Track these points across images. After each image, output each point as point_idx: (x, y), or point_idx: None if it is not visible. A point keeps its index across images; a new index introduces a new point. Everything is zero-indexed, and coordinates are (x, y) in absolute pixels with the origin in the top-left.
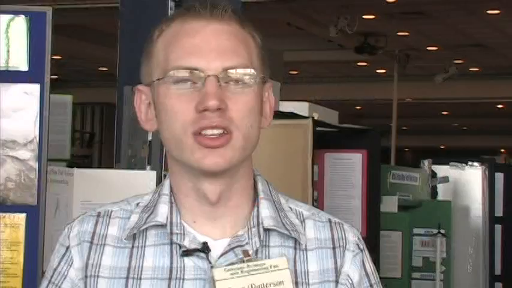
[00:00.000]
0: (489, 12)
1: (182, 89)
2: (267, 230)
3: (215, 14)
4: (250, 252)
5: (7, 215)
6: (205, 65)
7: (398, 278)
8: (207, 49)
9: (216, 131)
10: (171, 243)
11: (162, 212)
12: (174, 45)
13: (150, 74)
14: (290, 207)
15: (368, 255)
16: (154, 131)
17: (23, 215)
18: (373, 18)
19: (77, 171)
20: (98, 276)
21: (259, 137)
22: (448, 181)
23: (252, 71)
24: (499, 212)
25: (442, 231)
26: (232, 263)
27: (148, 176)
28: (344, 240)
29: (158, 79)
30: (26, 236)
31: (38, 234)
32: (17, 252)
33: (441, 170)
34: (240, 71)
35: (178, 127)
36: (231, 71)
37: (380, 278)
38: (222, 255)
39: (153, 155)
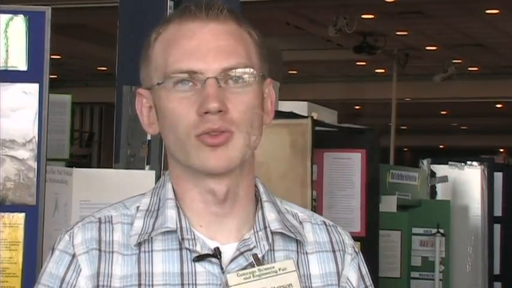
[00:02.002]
0: (488, 11)
1: (183, 92)
2: (272, 233)
3: (211, 15)
4: (260, 256)
5: (6, 214)
6: (204, 66)
7: (397, 278)
8: (205, 50)
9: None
10: (180, 248)
11: (172, 217)
12: (172, 48)
13: (150, 77)
14: (286, 209)
15: (362, 258)
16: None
17: (22, 215)
18: (372, 18)
19: (76, 171)
20: (110, 287)
21: (261, 134)
22: (447, 181)
23: (251, 70)
24: (498, 211)
25: (441, 230)
26: (243, 268)
27: (147, 175)
28: (342, 244)
29: (158, 83)
30: (25, 235)
31: (37, 234)
32: (16, 252)
33: (440, 170)
34: (239, 70)
35: (181, 131)
36: (230, 71)
37: (379, 277)
38: (232, 260)
39: (152, 154)
